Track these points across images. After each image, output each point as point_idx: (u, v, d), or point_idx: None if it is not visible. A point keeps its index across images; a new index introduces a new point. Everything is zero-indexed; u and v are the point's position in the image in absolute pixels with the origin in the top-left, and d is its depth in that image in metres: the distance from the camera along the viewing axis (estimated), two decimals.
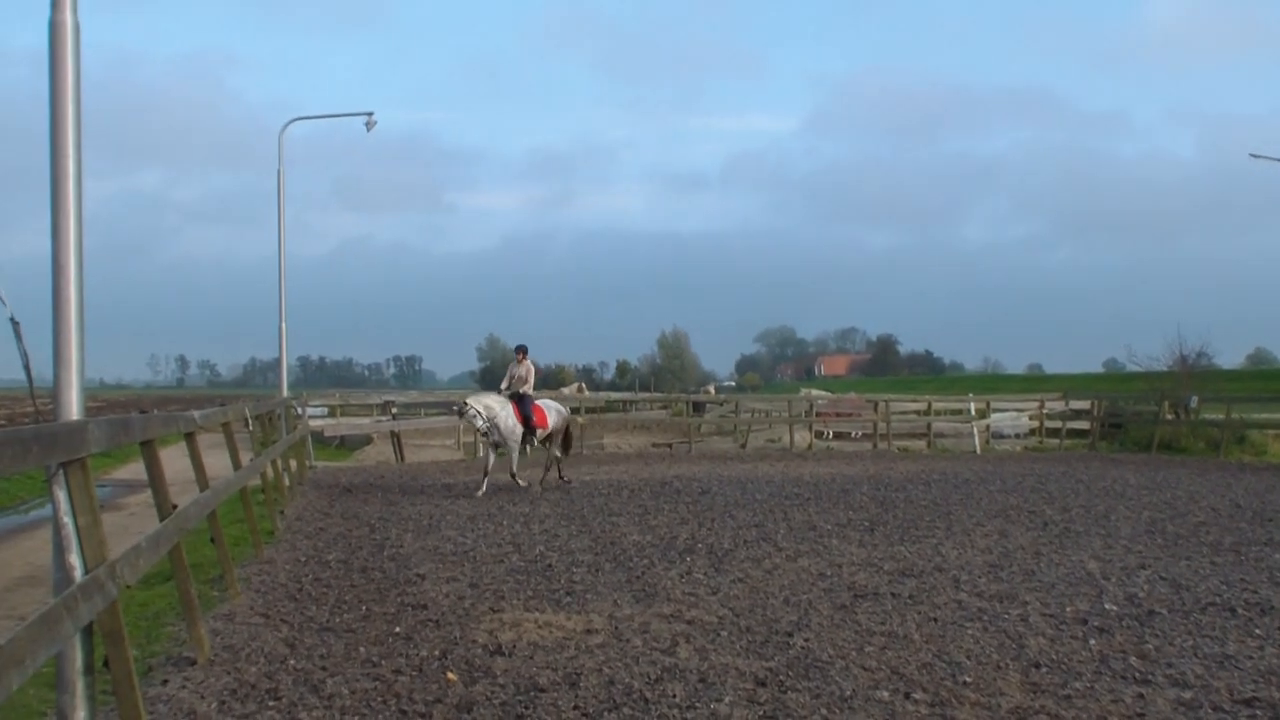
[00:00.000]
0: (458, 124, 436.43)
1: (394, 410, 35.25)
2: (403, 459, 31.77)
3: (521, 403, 23.12)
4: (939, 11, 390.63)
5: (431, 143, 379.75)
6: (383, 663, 8.89)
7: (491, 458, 23.28)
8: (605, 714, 7.58)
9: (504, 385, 23.98)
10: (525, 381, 23.50)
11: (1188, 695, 8.08)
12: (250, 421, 17.14)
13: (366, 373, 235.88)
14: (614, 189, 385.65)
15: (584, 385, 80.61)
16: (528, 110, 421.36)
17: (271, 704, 7.82)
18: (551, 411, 23.87)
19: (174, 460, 13.53)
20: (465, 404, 23.21)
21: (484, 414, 22.53)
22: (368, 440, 36.45)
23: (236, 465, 13.56)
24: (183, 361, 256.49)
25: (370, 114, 34.24)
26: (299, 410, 29.06)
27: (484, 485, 22.33)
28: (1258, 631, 10.08)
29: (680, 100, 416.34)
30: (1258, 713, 7.70)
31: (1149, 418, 37.92)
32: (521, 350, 24.25)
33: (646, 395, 74.61)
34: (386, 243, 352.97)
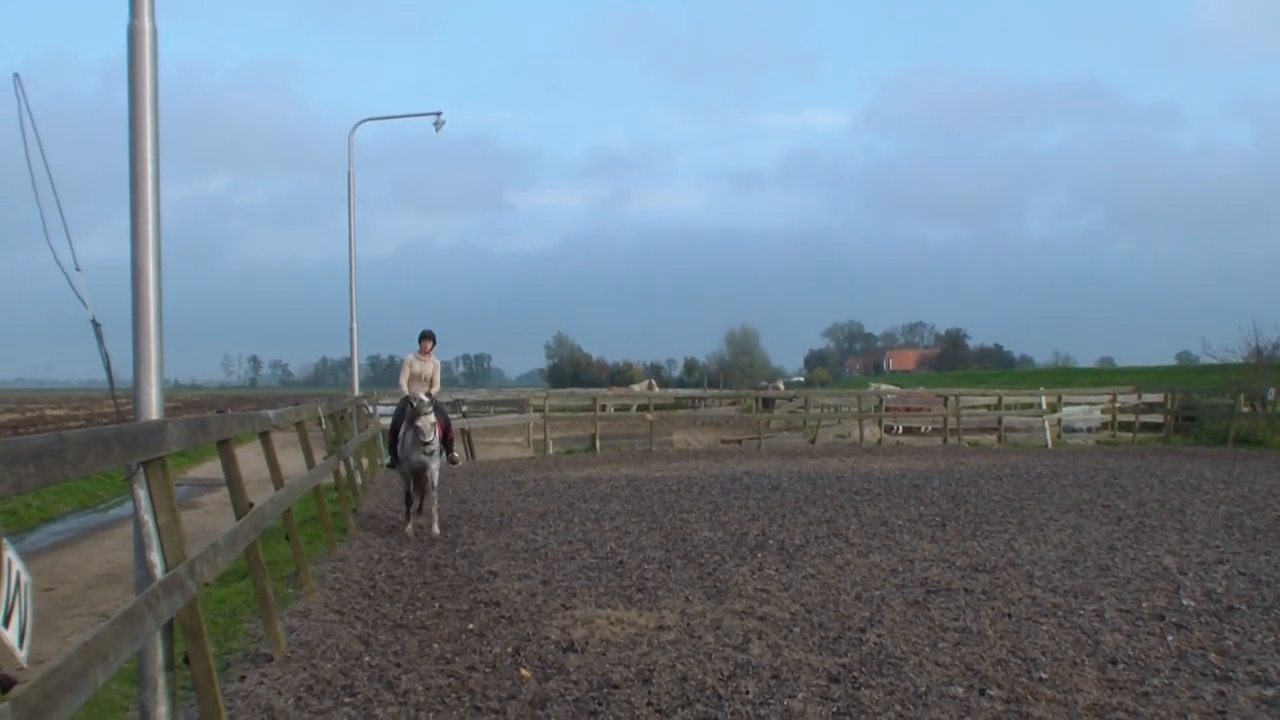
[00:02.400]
0: (516, 125, 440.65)
1: (464, 408, 35.38)
2: (473, 456, 31.93)
3: (438, 411, 17.32)
4: (987, 8, 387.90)
5: (491, 144, 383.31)
6: (456, 659, 8.95)
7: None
8: (679, 710, 7.59)
9: (404, 382, 17.64)
10: (433, 383, 17.65)
11: (1270, 693, 7.97)
12: (323, 420, 17.32)
13: None
14: (672, 188, 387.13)
15: (653, 382, 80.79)
16: (585, 111, 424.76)
17: (348, 700, 7.90)
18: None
19: (249, 459, 13.75)
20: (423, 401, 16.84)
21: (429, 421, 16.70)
22: None
23: (310, 464, 13.70)
24: (255, 362, 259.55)
25: (439, 114, 34.43)
26: (370, 409, 29.28)
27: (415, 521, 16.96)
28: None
29: (735, 99, 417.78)
30: None
31: (1224, 410, 37.39)
32: (428, 338, 17.84)
33: (715, 392, 74.53)
34: (450, 243, 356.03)
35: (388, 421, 34.36)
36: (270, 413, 10.82)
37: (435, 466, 16.88)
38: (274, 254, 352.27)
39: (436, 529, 16.33)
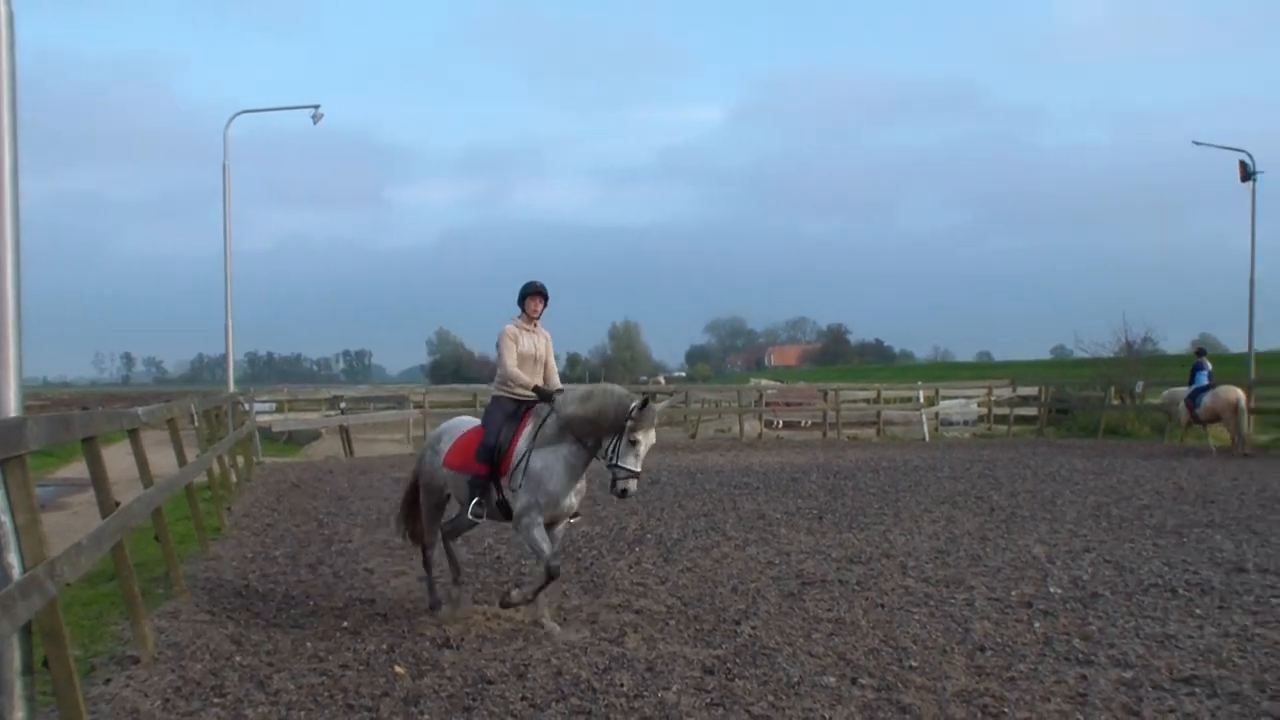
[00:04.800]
0: (396, 121, 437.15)
1: (343, 405, 34.98)
2: (352, 453, 31.60)
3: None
4: (862, 8, 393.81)
5: (370, 140, 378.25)
6: (330, 657, 8.86)
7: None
8: (553, 704, 7.60)
9: (511, 364, 10.55)
10: (549, 369, 10.95)
11: (1129, 675, 8.21)
12: (196, 418, 17.00)
13: (315, 368, 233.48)
14: (553, 184, 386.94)
15: None
16: (465, 107, 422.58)
17: (217, 701, 7.78)
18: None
19: (119, 458, 13.46)
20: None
21: None
22: (316, 435, 36.24)
23: (182, 461, 13.44)
24: (128, 359, 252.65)
25: (317, 107, 34.08)
26: (246, 406, 28.82)
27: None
28: (1198, 611, 10.23)
29: (613, 95, 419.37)
30: (1196, 690, 7.83)
31: (1095, 403, 38.29)
32: (538, 295, 10.83)
33: None
34: (328, 238, 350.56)
35: (265, 419, 33.86)
36: (140, 410, 10.61)
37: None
38: (148, 249, 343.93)
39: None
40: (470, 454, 10.26)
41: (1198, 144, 40.89)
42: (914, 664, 8.49)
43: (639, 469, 9.60)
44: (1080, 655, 8.77)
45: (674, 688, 7.91)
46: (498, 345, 10.72)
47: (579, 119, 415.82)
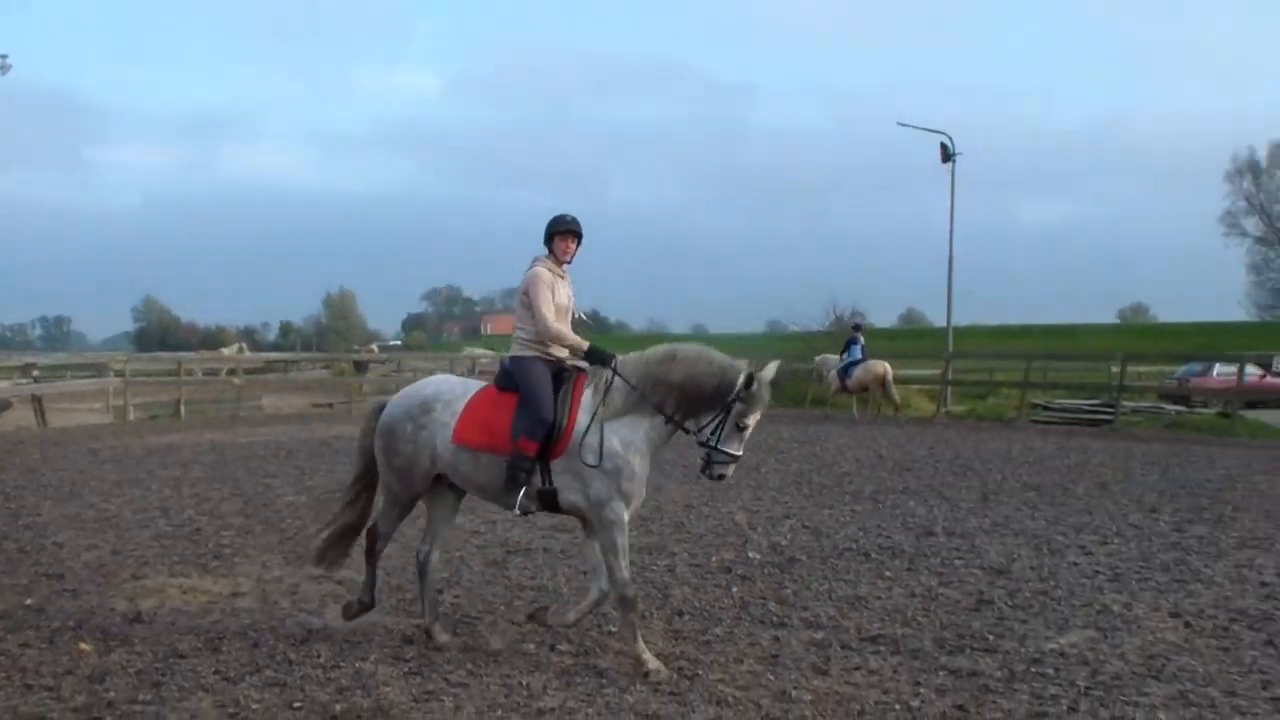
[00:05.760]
0: (95, 79, 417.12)
1: (35, 373, 33.31)
2: (45, 424, 30.15)
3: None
4: None
5: (67, 97, 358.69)
6: (9, 637, 8.43)
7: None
8: (247, 676, 7.46)
9: (549, 316, 8.38)
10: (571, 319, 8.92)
11: (819, 635, 8.57)
12: None
13: (9, 334, 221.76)
14: (267, 149, 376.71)
15: (245, 346, 78.46)
16: (175, 68, 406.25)
17: None
18: None
19: None
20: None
21: None
22: (6, 405, 34.44)
23: None
24: None
25: (4, 56, 32.34)
26: None
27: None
28: (888, 574, 10.73)
29: (330, 60, 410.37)
30: (881, 648, 8.25)
31: (804, 376, 39.59)
32: (572, 235, 8.80)
33: (309, 355, 73.09)
34: (20, 198, 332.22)
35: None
36: None
37: None
38: None
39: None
40: (501, 428, 8.11)
41: (902, 125, 42.66)
42: (613, 629, 8.61)
43: (741, 454, 8.39)
44: (775, 618, 9.09)
45: (372, 657, 7.87)
46: (526, 291, 8.45)
47: (294, 83, 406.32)
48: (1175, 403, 36.34)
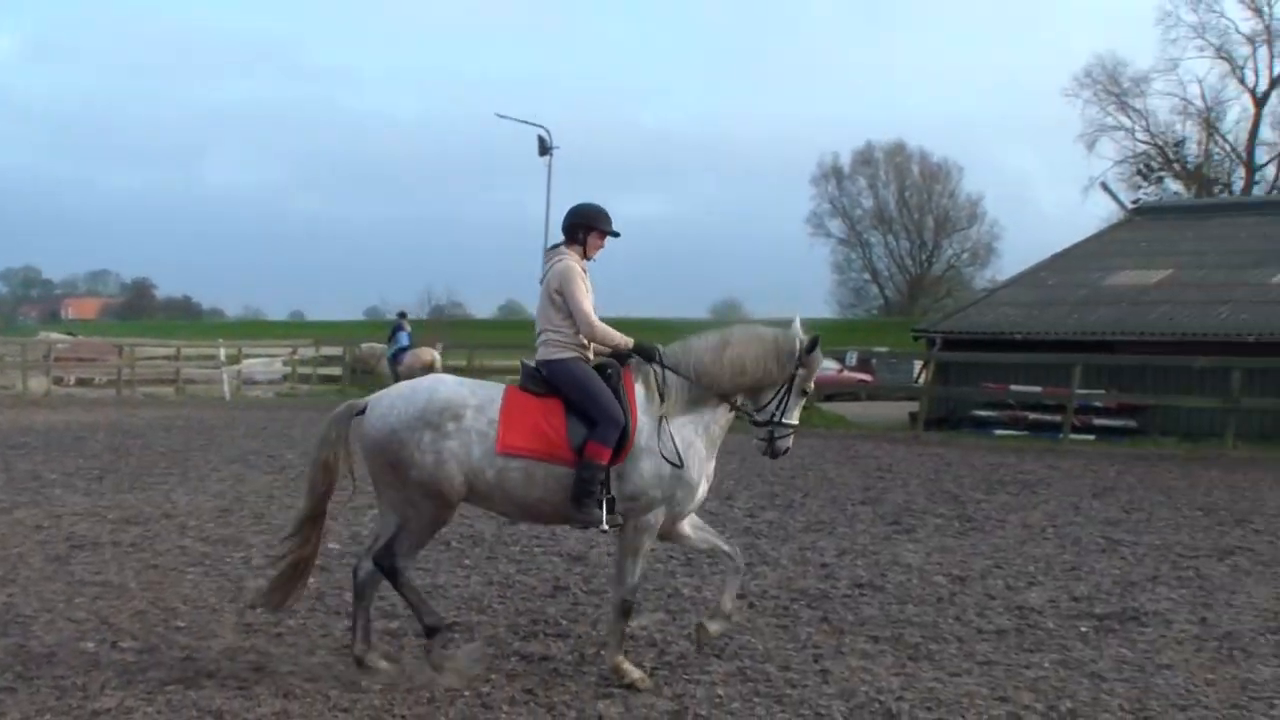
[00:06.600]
0: None
1: None
2: None
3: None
4: None
5: None
6: None
7: None
8: None
9: (589, 310, 7.72)
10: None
11: (395, 625, 8.55)
12: None
13: None
14: None
15: None
16: None
17: None
18: None
19: None
20: None
21: None
22: None
23: None
24: None
25: None
26: None
27: None
28: (467, 562, 10.83)
29: None
30: (456, 635, 8.27)
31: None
32: (602, 228, 8.07)
33: None
34: None
35: None
36: None
37: None
38: None
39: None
40: (558, 436, 7.37)
41: (501, 116, 43.26)
42: (181, 624, 8.38)
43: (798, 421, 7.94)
44: (348, 608, 8.96)
45: None
46: (559, 290, 7.68)
47: None
48: None
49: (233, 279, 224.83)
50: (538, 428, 7.33)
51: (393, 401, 7.48)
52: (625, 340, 7.70)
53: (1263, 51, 63.65)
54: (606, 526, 7.36)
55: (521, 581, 10.07)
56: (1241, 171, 65.69)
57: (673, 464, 7.36)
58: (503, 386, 7.70)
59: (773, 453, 7.78)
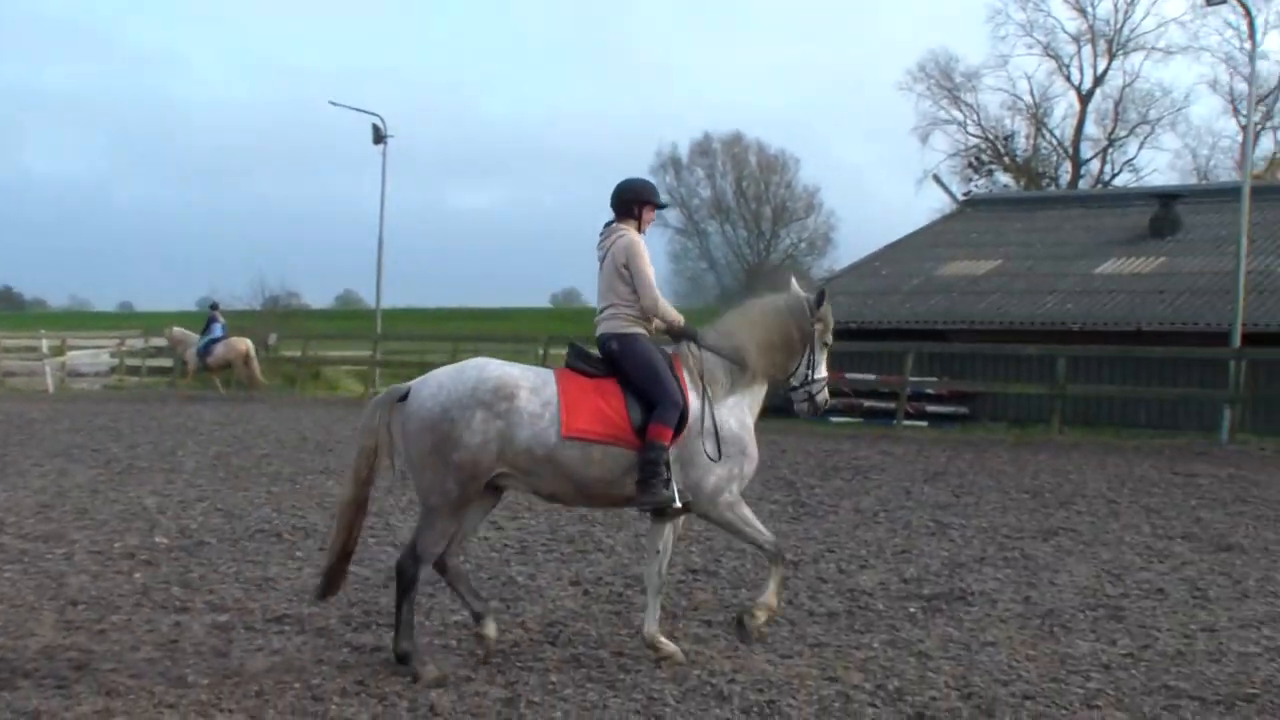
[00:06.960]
0: None
1: None
2: None
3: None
4: None
5: None
6: None
7: None
8: None
9: (654, 286, 7.82)
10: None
11: (224, 619, 8.38)
12: None
13: None
14: None
15: None
16: None
17: None
18: None
19: None
20: None
21: None
22: None
23: None
24: None
25: None
26: None
27: None
28: (299, 554, 10.66)
29: None
30: (287, 628, 8.18)
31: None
32: (651, 202, 8.08)
33: None
34: None
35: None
36: None
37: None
38: None
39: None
40: (620, 417, 7.36)
41: (334, 104, 42.68)
42: None
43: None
44: (178, 603, 8.80)
45: None
46: (626, 265, 7.69)
47: None
48: None
49: (57, 269, 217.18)
50: (600, 410, 7.36)
51: (440, 382, 7.39)
52: (679, 318, 7.84)
53: (1087, 50, 65.64)
54: (678, 504, 7.41)
55: (355, 572, 9.82)
56: (1068, 166, 67.58)
57: (707, 452, 7.48)
58: (549, 370, 7.68)
59: (814, 409, 8.07)
